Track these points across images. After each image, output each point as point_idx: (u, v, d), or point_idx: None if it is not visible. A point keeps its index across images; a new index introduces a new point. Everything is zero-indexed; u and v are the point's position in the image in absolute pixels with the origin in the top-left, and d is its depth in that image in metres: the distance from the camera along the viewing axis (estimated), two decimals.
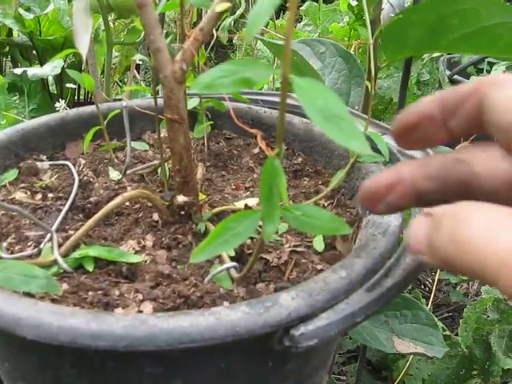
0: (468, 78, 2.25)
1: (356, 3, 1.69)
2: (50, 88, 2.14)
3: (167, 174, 0.82)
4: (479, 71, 2.60)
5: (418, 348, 1.26)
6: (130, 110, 0.97)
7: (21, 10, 1.88)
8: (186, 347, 0.49)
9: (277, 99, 1.02)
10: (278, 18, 2.77)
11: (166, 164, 0.79)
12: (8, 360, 0.63)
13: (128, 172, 0.82)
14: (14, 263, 0.57)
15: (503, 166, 0.43)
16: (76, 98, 2.15)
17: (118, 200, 0.68)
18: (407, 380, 1.56)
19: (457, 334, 1.51)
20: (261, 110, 0.98)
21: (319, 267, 0.70)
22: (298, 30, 2.16)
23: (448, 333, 1.56)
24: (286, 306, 0.52)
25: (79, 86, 2.12)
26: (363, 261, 0.60)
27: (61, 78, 2.01)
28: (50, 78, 2.12)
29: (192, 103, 0.94)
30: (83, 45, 0.71)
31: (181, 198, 0.71)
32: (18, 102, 1.66)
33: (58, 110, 1.68)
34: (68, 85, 1.69)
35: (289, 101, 1.02)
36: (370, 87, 0.85)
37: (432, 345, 1.24)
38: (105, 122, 0.88)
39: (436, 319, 1.24)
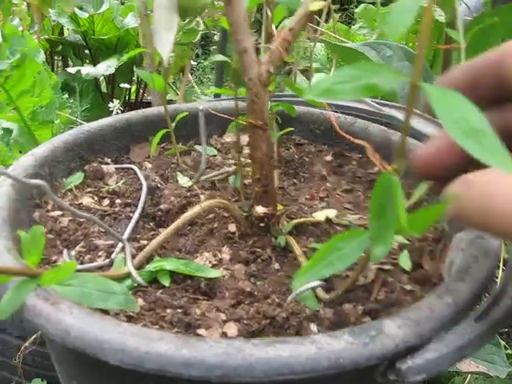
0: None
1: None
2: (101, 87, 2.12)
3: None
4: None
5: (479, 367, 1.20)
6: (194, 112, 0.93)
7: (75, 9, 1.86)
8: (285, 379, 0.44)
9: (354, 105, 0.97)
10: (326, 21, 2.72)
11: (238, 171, 0.74)
12: (77, 379, 0.59)
13: (196, 178, 0.78)
14: (91, 277, 0.53)
15: None
16: (127, 97, 2.12)
17: (195, 210, 0.64)
18: None
19: None
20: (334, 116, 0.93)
21: (408, 287, 0.65)
22: (352, 32, 2.11)
23: (510, 351, 1.49)
24: (393, 335, 0.47)
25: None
26: (468, 286, 0.54)
27: (113, 78, 1.99)
28: (101, 78, 2.10)
29: None
30: (165, 46, 0.66)
31: (260, 210, 0.66)
32: (71, 101, 1.64)
33: (112, 110, 1.66)
34: (122, 85, 1.66)
35: (363, 106, 0.98)
36: None
37: (494, 364, 1.18)
38: (173, 125, 0.84)
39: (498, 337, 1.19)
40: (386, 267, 0.67)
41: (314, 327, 0.57)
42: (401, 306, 0.61)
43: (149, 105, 2.18)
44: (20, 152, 1.64)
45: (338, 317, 0.58)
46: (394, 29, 0.33)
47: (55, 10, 1.77)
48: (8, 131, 1.75)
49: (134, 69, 0.91)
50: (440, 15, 1.61)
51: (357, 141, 0.50)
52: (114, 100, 1.63)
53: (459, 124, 0.36)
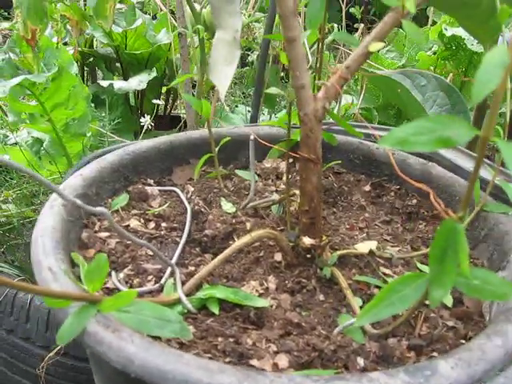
0: None
1: (452, 33, 1.64)
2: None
3: (283, 211, 0.79)
4: None
5: None
6: (235, 137, 0.94)
7: None
8: None
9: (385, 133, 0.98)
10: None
11: (285, 201, 0.76)
12: None
13: (243, 205, 0.79)
14: (147, 304, 0.55)
15: None
16: (155, 112, 2.14)
17: (245, 240, 0.65)
18: None
19: None
20: (373, 147, 0.95)
21: (450, 324, 0.65)
22: (380, 55, 2.12)
23: None
24: (447, 376, 0.48)
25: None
26: None
27: (142, 92, 2.01)
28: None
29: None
30: (223, 79, 0.67)
31: (308, 241, 0.68)
32: (103, 114, 1.66)
33: (143, 125, 1.68)
34: (154, 101, 1.68)
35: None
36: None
37: None
38: (216, 149, 0.86)
39: None
40: (428, 302, 0.68)
41: (360, 361, 0.57)
42: (444, 342, 0.62)
43: (177, 119, 2.20)
44: (50, 163, 1.66)
45: (383, 351, 0.59)
46: (481, 88, 0.34)
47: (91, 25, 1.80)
48: (38, 141, 1.77)
49: (182, 93, 0.93)
50: (472, 44, 1.62)
51: (417, 184, 0.51)
52: (145, 115, 1.65)
53: None
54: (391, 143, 0.40)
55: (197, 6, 1.31)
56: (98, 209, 0.53)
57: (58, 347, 1.35)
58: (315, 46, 1.59)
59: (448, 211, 0.45)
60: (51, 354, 1.35)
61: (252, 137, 0.73)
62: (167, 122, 2.15)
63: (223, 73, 0.67)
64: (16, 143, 1.71)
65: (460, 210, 0.45)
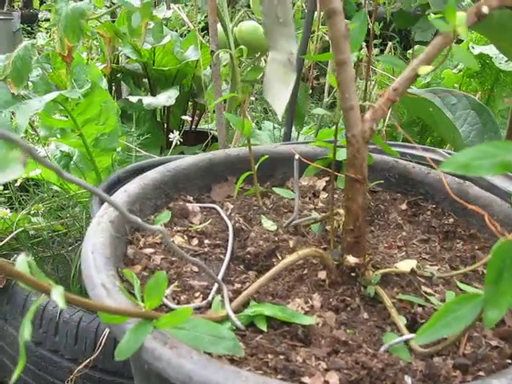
0: None
1: (479, 51, 1.65)
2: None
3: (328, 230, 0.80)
4: None
5: None
6: (271, 155, 0.96)
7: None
8: None
9: (426, 154, 0.99)
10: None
11: (330, 220, 0.77)
12: None
13: (287, 223, 0.80)
14: (201, 321, 0.56)
15: None
16: (182, 126, 2.17)
17: (293, 258, 0.66)
18: None
19: None
20: (409, 165, 0.96)
21: (493, 343, 0.66)
22: None
23: None
24: None
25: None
26: None
27: (169, 108, 2.04)
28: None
29: (341, 154, 0.92)
30: (281, 102, 0.68)
31: (352, 260, 0.69)
32: (131, 128, 1.68)
33: (170, 141, 1.70)
34: (184, 117, 1.70)
35: (434, 156, 1.00)
36: None
37: None
38: (256, 167, 0.87)
39: None
40: None
41: (408, 379, 0.58)
42: (490, 361, 0.62)
43: (203, 134, 2.22)
44: (79, 177, 1.68)
45: (429, 369, 0.59)
46: None
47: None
48: (66, 155, 1.80)
49: (227, 114, 0.96)
50: (500, 63, 1.63)
51: (471, 207, 0.52)
52: (174, 131, 1.67)
53: None
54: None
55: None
56: (155, 227, 0.54)
57: (87, 360, 1.36)
58: None
59: (504, 233, 0.46)
60: (80, 367, 1.36)
61: (297, 156, 0.74)
62: (193, 137, 2.17)
63: (280, 94, 0.69)
64: (46, 157, 1.74)
65: None
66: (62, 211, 1.73)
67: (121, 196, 0.78)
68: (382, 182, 0.94)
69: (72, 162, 1.69)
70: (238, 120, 0.83)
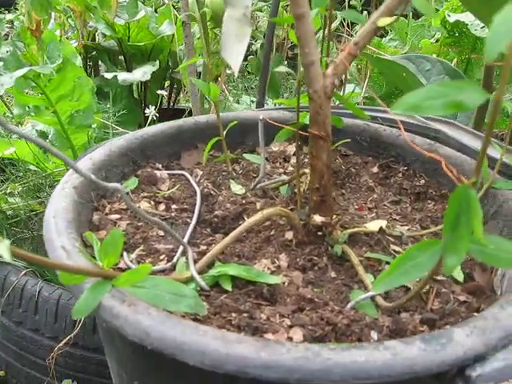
0: None
1: (455, 19, 1.64)
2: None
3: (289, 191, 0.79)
4: None
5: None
6: (242, 121, 0.95)
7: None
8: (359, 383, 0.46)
9: (398, 117, 0.98)
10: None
11: (295, 181, 0.76)
12: (140, 379, 0.61)
13: (253, 185, 0.79)
14: (162, 280, 0.55)
15: None
16: (159, 104, 2.14)
17: (257, 217, 0.65)
18: None
19: None
20: (380, 128, 0.95)
21: (462, 298, 0.66)
22: (383, 44, 2.12)
23: None
24: (462, 343, 0.49)
25: None
26: None
27: (146, 84, 2.01)
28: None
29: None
30: (235, 57, 0.67)
31: (318, 218, 0.68)
32: (107, 106, 1.66)
33: (147, 116, 1.68)
34: (159, 91, 1.68)
35: (406, 119, 0.99)
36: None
37: None
38: (224, 133, 0.86)
39: None
40: (439, 278, 0.68)
41: (374, 334, 0.58)
42: (457, 316, 0.62)
43: (181, 111, 2.20)
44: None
45: (396, 325, 0.59)
46: (492, 50, 0.34)
47: (94, 17, 1.80)
48: (43, 134, 1.78)
49: (192, 79, 0.94)
50: (476, 30, 1.62)
51: (430, 154, 0.51)
52: (150, 106, 1.65)
53: None
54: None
55: None
56: (112, 184, 0.54)
57: (67, 338, 1.36)
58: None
59: (461, 177, 0.46)
60: (60, 345, 1.36)
61: (261, 116, 0.73)
62: (171, 115, 2.15)
63: (235, 50, 0.68)
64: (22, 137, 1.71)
65: (472, 176, 0.45)
66: (40, 191, 1.71)
67: (85, 163, 0.77)
68: (348, 140, 0.93)
69: (48, 141, 1.67)
70: (205, 84, 0.82)
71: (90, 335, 1.37)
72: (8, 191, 1.64)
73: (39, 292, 1.41)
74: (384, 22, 0.59)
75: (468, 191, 0.44)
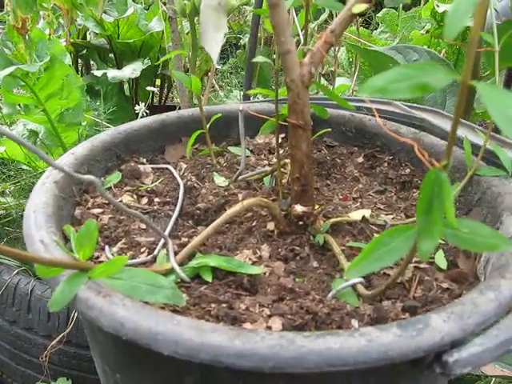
0: None
1: (443, 9, 1.64)
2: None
3: (274, 181, 0.79)
4: None
5: (504, 371, 1.20)
6: (226, 114, 0.94)
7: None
8: (335, 370, 0.45)
9: (382, 107, 0.98)
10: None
11: (277, 172, 0.76)
12: (122, 372, 0.61)
13: (235, 176, 0.79)
14: (139, 271, 0.55)
15: None
16: (150, 100, 2.14)
17: (237, 208, 0.65)
18: None
19: None
20: (365, 118, 0.94)
21: (445, 285, 0.65)
22: (374, 37, 2.12)
23: None
24: (439, 328, 0.48)
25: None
26: (509, 282, 0.55)
27: (137, 81, 2.01)
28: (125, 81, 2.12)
29: None
30: (213, 46, 0.67)
31: (300, 208, 0.68)
32: (98, 104, 1.66)
33: (137, 113, 1.67)
34: (148, 88, 1.68)
35: (390, 108, 0.99)
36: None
37: None
38: (207, 126, 0.86)
39: None
40: (422, 266, 0.68)
41: (355, 323, 0.57)
42: (439, 303, 0.62)
43: (172, 108, 2.19)
44: (46, 154, 1.66)
45: (377, 313, 0.59)
46: (451, 28, 0.34)
47: (82, 14, 1.80)
48: (34, 133, 1.77)
49: (174, 71, 0.93)
50: None
51: (403, 139, 0.51)
52: (140, 103, 1.65)
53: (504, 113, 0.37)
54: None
55: None
56: (86, 176, 0.53)
57: (60, 336, 1.36)
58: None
59: (432, 161, 0.45)
60: (54, 343, 1.36)
61: (241, 107, 0.73)
62: (162, 112, 2.14)
63: (213, 39, 0.67)
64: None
65: (443, 158, 0.45)
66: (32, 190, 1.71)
67: (67, 158, 0.77)
68: (329, 130, 0.92)
69: (38, 139, 1.67)
70: (185, 76, 0.81)
71: (83, 333, 1.37)
72: (0, 190, 1.64)
73: (32, 291, 1.41)
74: (359, 8, 0.59)
75: (439, 174, 0.44)
